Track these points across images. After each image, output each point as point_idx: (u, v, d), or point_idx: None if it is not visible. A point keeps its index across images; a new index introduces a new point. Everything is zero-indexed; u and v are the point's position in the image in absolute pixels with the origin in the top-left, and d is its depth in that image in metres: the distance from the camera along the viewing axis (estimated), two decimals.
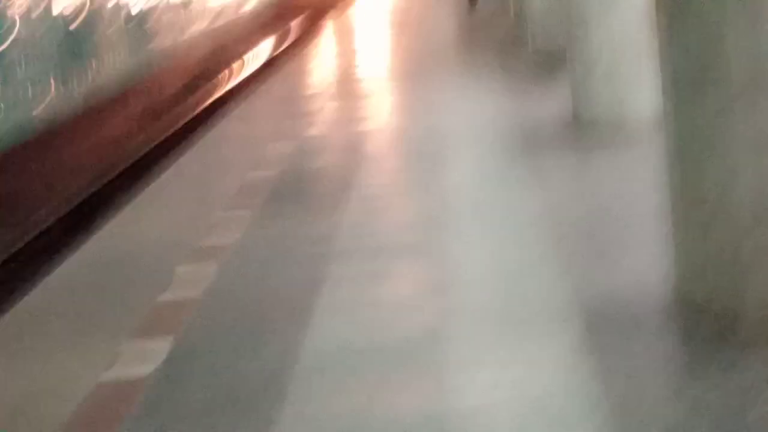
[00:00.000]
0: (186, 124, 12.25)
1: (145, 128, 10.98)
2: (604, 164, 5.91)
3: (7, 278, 6.82)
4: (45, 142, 8.22)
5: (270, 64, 16.79)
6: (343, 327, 3.59)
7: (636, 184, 5.06)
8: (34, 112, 8.08)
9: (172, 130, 11.73)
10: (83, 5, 9.57)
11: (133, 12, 11.33)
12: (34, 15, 8.25)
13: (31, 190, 7.86)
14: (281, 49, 18.67)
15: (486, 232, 4.73)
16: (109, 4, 10.48)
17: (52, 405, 3.14)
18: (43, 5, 8.45)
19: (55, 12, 8.77)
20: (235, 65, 15.93)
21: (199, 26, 14.12)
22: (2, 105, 7.38)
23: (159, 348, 3.46)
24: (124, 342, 3.59)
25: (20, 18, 7.93)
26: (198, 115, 12.79)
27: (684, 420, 2.57)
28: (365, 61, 11.71)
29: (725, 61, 3.21)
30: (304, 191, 6.20)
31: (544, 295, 3.70)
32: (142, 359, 3.39)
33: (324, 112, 9.05)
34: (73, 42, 9.18)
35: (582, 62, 6.97)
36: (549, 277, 3.91)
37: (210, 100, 13.70)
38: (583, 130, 6.91)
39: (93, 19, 9.89)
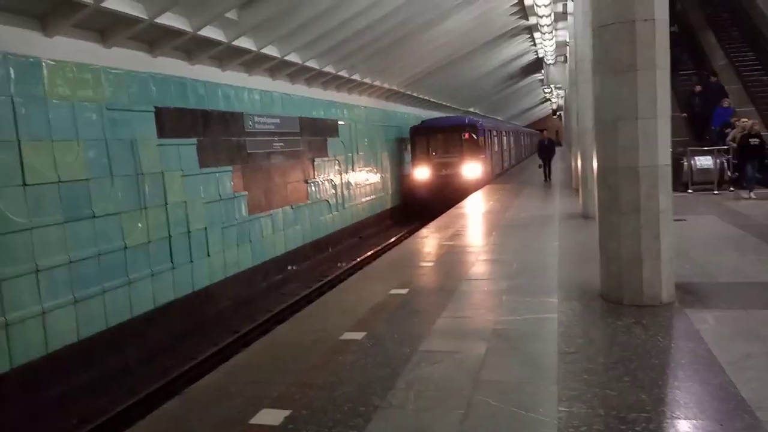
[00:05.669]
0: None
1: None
2: (586, 230, 12.12)
3: None
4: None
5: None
6: (464, 310, 7.63)
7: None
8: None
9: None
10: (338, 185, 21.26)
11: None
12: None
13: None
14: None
15: (533, 251, 10.88)
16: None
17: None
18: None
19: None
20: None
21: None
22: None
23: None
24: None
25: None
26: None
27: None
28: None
29: (618, 199, 7.71)
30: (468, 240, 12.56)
31: (550, 279, 8.85)
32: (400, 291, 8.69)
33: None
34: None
35: (586, 190, 13.16)
36: (554, 268, 9.31)
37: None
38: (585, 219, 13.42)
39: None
